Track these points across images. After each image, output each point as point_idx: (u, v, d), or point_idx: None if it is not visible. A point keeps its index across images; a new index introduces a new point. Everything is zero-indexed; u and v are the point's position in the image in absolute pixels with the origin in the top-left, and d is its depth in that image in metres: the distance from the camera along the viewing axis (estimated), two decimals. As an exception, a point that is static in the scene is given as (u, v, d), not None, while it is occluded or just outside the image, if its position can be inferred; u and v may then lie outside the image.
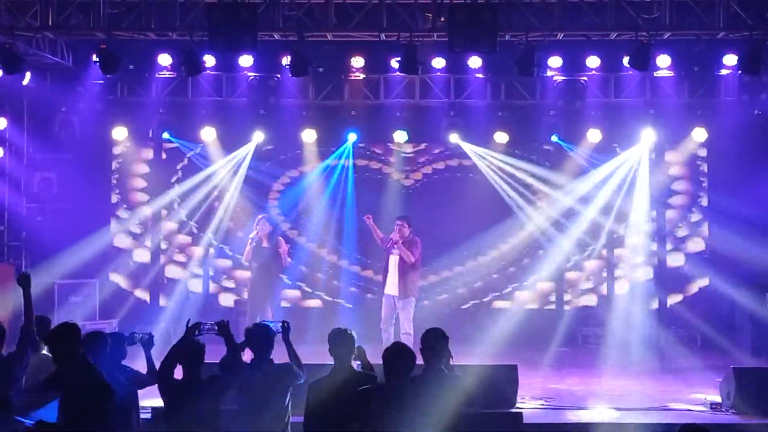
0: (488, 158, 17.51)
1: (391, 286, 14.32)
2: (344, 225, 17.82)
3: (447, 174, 18.09)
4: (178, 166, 18.09)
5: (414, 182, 18.14)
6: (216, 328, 8.09)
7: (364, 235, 16.39)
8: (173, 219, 18.12)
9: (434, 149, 18.08)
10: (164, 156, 18.07)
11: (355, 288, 18.02)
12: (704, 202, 17.78)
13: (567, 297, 17.90)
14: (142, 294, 17.98)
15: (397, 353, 7.40)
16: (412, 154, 18.09)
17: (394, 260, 14.31)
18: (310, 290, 18.09)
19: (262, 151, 17.81)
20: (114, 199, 18.09)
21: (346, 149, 17.61)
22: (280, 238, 15.47)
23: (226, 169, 17.66)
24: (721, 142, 17.12)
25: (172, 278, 18.08)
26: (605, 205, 17.54)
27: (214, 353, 8.11)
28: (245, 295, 16.23)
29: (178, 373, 7.91)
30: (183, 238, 18.20)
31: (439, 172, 18.12)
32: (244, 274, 16.74)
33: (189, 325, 8.07)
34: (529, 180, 17.68)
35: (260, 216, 15.53)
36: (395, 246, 14.27)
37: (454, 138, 17.30)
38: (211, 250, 18.09)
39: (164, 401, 7.91)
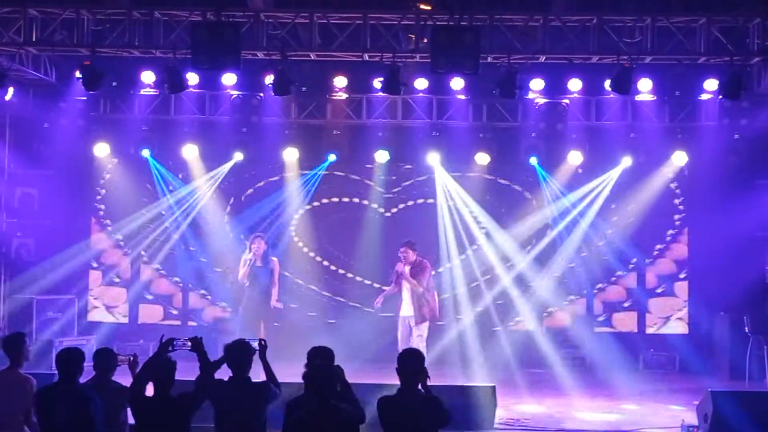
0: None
1: (407, 309, 14.39)
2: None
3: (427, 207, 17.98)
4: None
5: (393, 214, 18.01)
6: (189, 344, 8.05)
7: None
8: (152, 238, 17.98)
9: (417, 176, 17.97)
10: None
11: (336, 304, 17.96)
12: (684, 225, 17.82)
13: (547, 319, 17.89)
14: (121, 311, 17.89)
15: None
16: (393, 178, 18.02)
17: (406, 287, 14.38)
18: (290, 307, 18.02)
19: (243, 170, 17.79)
20: (94, 216, 17.99)
21: (316, 175, 17.64)
22: (274, 258, 15.25)
23: (207, 194, 17.66)
24: (702, 166, 17.20)
25: (150, 297, 18.02)
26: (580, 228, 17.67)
27: (191, 371, 8.08)
28: (228, 314, 16.11)
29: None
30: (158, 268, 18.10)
31: (420, 205, 18.02)
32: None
33: (162, 341, 8.04)
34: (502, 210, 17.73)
35: (255, 234, 15.34)
36: (402, 277, 14.34)
37: (433, 160, 17.28)
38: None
39: (134, 418, 7.86)
